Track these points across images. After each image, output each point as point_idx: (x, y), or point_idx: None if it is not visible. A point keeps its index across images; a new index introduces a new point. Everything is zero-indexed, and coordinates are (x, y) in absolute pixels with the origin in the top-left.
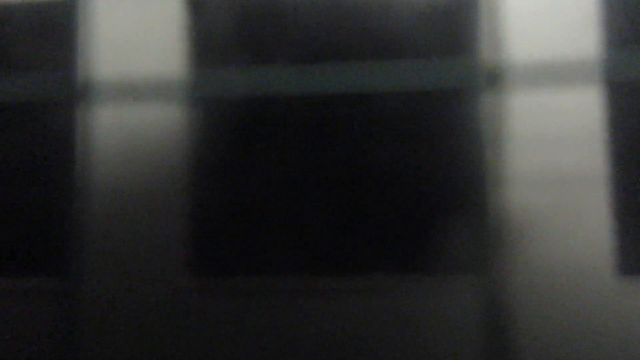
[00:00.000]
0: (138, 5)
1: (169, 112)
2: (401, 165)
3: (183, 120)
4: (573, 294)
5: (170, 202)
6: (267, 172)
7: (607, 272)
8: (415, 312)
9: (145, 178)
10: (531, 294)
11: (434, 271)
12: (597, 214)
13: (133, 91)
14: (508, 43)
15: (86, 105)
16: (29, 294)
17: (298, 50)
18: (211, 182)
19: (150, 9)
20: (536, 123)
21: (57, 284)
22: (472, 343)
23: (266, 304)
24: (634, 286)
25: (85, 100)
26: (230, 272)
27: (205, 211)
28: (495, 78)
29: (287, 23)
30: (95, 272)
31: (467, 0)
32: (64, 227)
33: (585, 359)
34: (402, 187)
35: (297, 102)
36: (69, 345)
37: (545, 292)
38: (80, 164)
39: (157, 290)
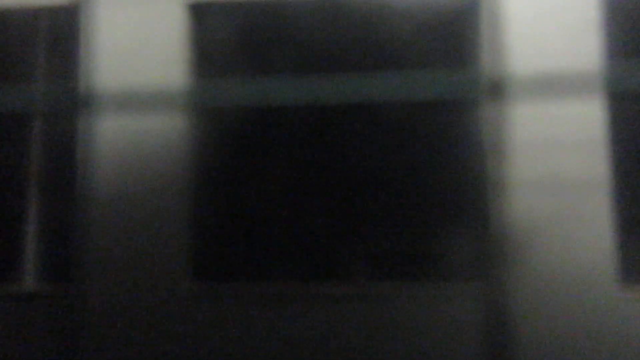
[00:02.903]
0: (140, 15)
1: (171, 121)
2: (403, 175)
3: (185, 130)
4: (575, 301)
5: (172, 211)
6: (268, 182)
7: (609, 279)
8: (418, 320)
9: (147, 187)
10: (533, 301)
11: (436, 278)
12: (599, 223)
13: (135, 101)
14: (510, 53)
15: (88, 115)
16: (31, 298)
17: (299, 61)
18: (213, 191)
19: (152, 19)
20: (538, 132)
21: (60, 290)
22: (474, 350)
23: (268, 309)
24: (636, 293)
25: (87, 109)
26: (232, 278)
27: (206, 220)
28: (497, 88)
29: (288, 34)
30: (97, 278)
31: (469, 11)
32: (67, 234)
33: None
34: (404, 197)
35: (299, 112)
36: (71, 350)
37: (547, 299)
38: (82, 173)
39: (159, 296)
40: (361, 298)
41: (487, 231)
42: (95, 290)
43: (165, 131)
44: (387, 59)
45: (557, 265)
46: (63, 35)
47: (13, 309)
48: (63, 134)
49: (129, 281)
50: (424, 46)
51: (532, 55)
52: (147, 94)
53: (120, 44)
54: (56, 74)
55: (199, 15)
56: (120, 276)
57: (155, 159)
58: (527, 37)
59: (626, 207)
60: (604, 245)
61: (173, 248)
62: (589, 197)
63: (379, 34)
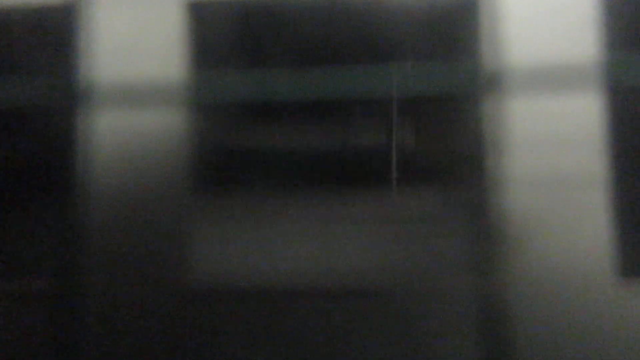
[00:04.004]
0: (138, 9)
1: (170, 116)
2: (401, 168)
3: (183, 124)
4: (574, 296)
5: (170, 207)
6: (267, 176)
7: (608, 273)
8: (416, 315)
9: (146, 182)
10: (532, 296)
11: (434, 274)
12: (598, 217)
13: (133, 95)
14: (508, 46)
15: (86, 110)
16: (29, 297)
17: (298, 54)
18: (212, 186)
19: (150, 13)
20: (536, 126)
21: (58, 288)
22: (472, 345)
23: (268, 307)
24: (636, 287)
25: (85, 104)
26: (230, 276)
27: (205, 215)
28: (495, 81)
29: (287, 26)
30: (95, 276)
31: (467, 4)
32: (65, 231)
33: None
34: (402, 191)
35: (297, 106)
36: (69, 349)
37: (546, 294)
38: (80, 168)
39: (157, 294)
40: (362, 294)
41: (486, 226)
42: (93, 289)
43: (164, 125)
44: (386, 51)
45: (557, 259)
46: (62, 30)
47: (12, 308)
48: (62, 129)
49: (129, 279)
50: (422, 39)
51: (531, 48)
52: (146, 89)
53: (120, 40)
54: (55, 69)
55: (197, 9)
56: (120, 274)
57: (153, 153)
58: (525, 30)
59: (626, 201)
60: (603, 239)
61: (171, 244)
62: (588, 190)
63: (378, 26)
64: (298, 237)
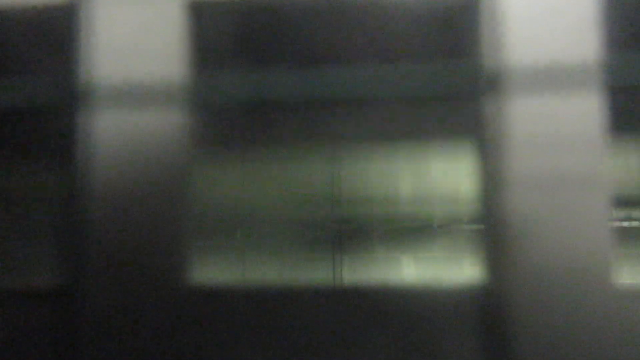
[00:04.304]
0: (138, 9)
1: (170, 116)
2: (400, 169)
3: (184, 124)
4: (572, 298)
5: (170, 207)
6: (267, 177)
7: (606, 275)
8: (415, 317)
9: (146, 182)
10: (530, 298)
11: (432, 276)
12: (597, 218)
13: (133, 95)
14: (508, 47)
15: (86, 110)
16: (31, 297)
17: (298, 54)
18: (212, 187)
19: (150, 13)
20: (536, 127)
21: (58, 288)
22: (471, 348)
23: (265, 306)
24: (633, 290)
25: (86, 104)
26: (229, 276)
27: (204, 215)
28: (495, 82)
29: (287, 27)
30: (96, 276)
31: (468, 4)
32: (65, 232)
33: None
34: (400, 191)
35: (297, 105)
36: (69, 349)
37: (544, 296)
38: (80, 168)
39: (157, 294)
40: (363, 295)
41: (485, 226)
42: (95, 289)
43: (164, 125)
44: (386, 52)
45: (555, 261)
46: (62, 30)
47: (13, 308)
48: (61, 128)
49: (129, 280)
50: (423, 39)
51: (531, 48)
52: (146, 89)
53: (119, 38)
54: (55, 68)
55: (197, 9)
56: (120, 274)
57: (153, 153)
58: (525, 30)
59: (624, 202)
60: (602, 241)
61: (170, 245)
62: (588, 191)
63: (378, 27)
64: None
